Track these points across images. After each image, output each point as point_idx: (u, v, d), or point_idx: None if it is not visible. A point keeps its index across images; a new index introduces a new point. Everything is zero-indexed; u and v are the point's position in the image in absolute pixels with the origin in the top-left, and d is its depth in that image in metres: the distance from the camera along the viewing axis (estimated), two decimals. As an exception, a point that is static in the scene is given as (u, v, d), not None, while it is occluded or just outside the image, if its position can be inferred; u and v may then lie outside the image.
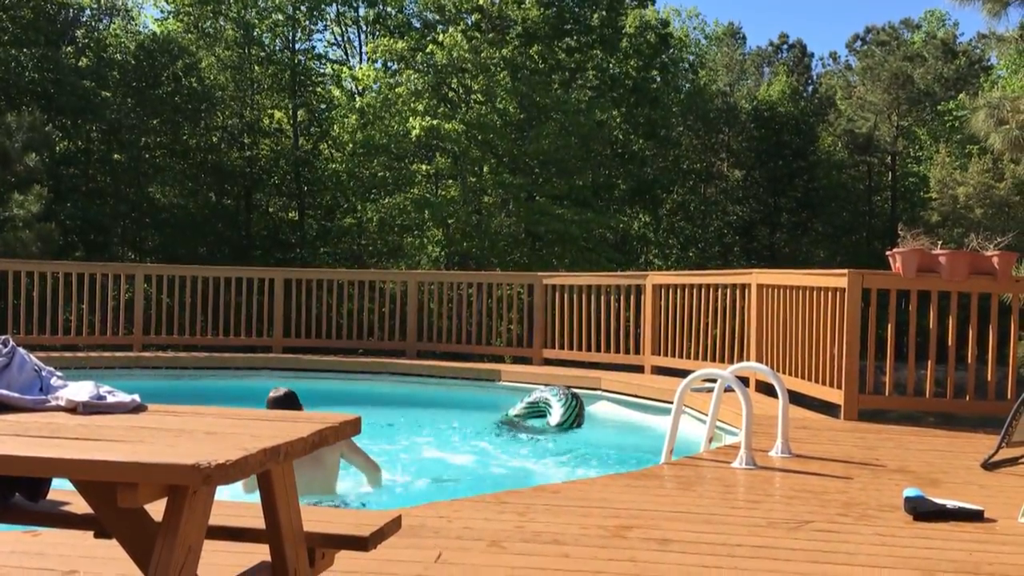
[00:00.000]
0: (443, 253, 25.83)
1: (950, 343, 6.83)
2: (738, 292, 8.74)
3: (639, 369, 9.79)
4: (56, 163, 21.45)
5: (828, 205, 30.88)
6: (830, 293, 6.98)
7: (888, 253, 6.90)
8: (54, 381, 2.28)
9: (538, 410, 8.33)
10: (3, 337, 2.29)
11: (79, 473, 1.70)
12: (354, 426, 2.14)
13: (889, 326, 6.84)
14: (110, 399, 2.17)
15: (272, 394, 5.37)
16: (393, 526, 2.39)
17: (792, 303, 7.62)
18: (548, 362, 10.69)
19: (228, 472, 1.62)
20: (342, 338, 11.38)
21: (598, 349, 10.20)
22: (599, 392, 9.17)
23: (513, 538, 3.52)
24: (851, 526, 3.86)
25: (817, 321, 7.16)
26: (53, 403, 2.15)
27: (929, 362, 6.89)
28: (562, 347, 10.50)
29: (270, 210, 27.43)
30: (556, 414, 8.12)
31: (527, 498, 4.16)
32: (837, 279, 6.90)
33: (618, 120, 27.55)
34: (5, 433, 1.87)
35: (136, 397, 2.22)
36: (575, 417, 8.15)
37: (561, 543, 3.47)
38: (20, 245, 15.29)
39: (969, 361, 6.91)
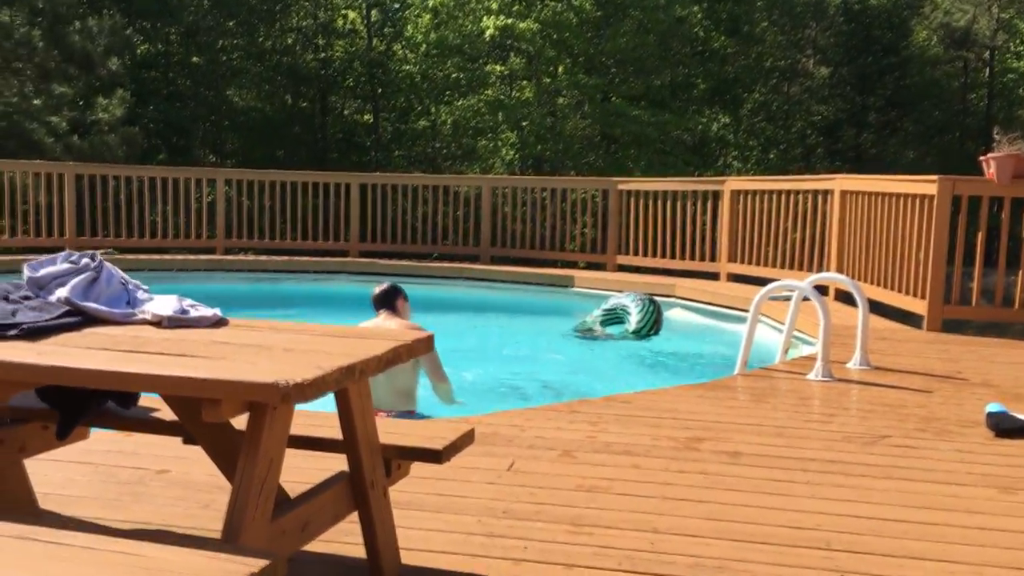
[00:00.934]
0: (517, 156, 25.64)
1: (1043, 253, 6.57)
2: (820, 198, 8.51)
3: (715, 276, 9.68)
4: (137, 66, 21.76)
5: (919, 104, 29.50)
6: (918, 200, 6.74)
7: (982, 158, 6.60)
8: (140, 294, 2.36)
9: (616, 316, 8.31)
10: (91, 252, 2.36)
11: (166, 388, 1.76)
12: (427, 343, 2.17)
13: (979, 235, 6.58)
14: (193, 313, 2.24)
15: (376, 289, 5.43)
16: (467, 439, 2.44)
17: (877, 210, 7.39)
18: (622, 268, 10.64)
19: (305, 391, 1.66)
20: (417, 243, 11.48)
21: (673, 256, 10.09)
22: (674, 299, 9.11)
23: (584, 448, 3.57)
24: (929, 442, 3.80)
25: (902, 229, 6.94)
26: (139, 316, 2.23)
27: (1021, 271, 6.64)
28: (636, 253, 10.42)
29: (345, 113, 27.49)
30: (634, 320, 8.10)
31: (599, 408, 4.20)
32: (926, 186, 6.64)
33: (699, 16, 26.60)
34: (96, 347, 1.95)
35: (217, 311, 2.28)
36: (653, 323, 8.12)
37: (632, 454, 3.51)
38: (106, 149, 15.68)
39: (1063, 272, 6.64)
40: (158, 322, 2.19)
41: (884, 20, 29.22)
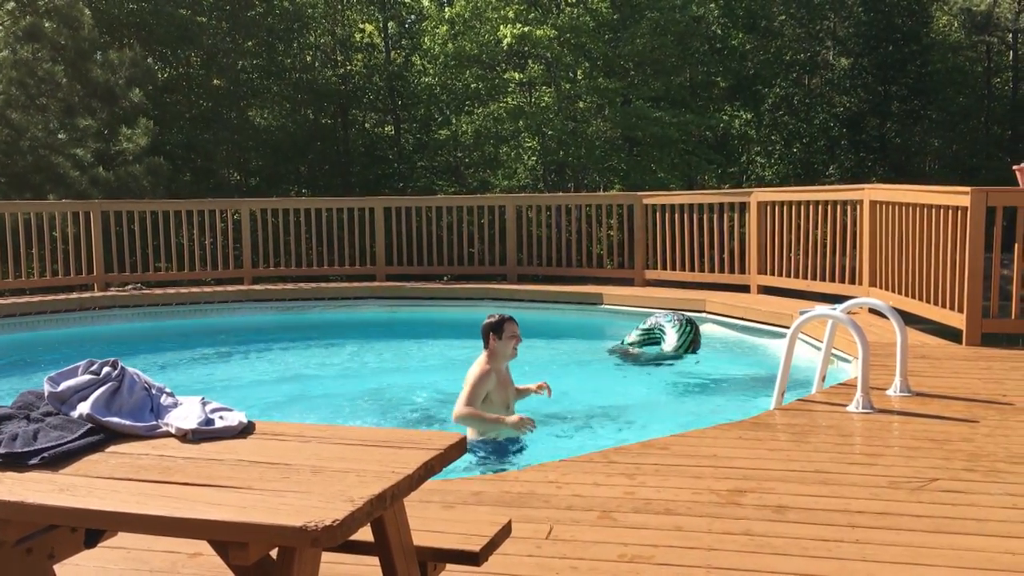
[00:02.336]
0: (539, 163, 25.56)
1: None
2: (849, 208, 8.37)
3: (745, 289, 9.55)
4: (159, 91, 21.92)
5: (943, 91, 29.09)
6: (951, 211, 6.59)
7: (1016, 168, 6.45)
8: (164, 400, 2.31)
9: (652, 337, 8.20)
10: (112, 360, 2.31)
11: (193, 534, 1.71)
12: (459, 448, 2.10)
13: (1016, 246, 6.42)
14: (218, 423, 2.18)
15: (487, 320, 5.52)
16: (504, 533, 2.37)
17: (908, 220, 7.24)
18: (650, 283, 10.54)
19: (335, 534, 1.60)
20: (443, 264, 11.44)
21: (702, 269, 9.98)
22: (705, 314, 9.00)
23: (624, 507, 3.49)
24: (979, 484, 3.69)
25: (936, 240, 6.79)
26: (164, 429, 2.18)
27: (1060, 282, 6.48)
28: (664, 267, 10.31)
29: (366, 126, 27.55)
30: (671, 340, 8.00)
31: (636, 456, 4.12)
32: (959, 197, 6.50)
33: (716, 14, 26.41)
34: (120, 476, 1.90)
35: (243, 417, 2.23)
36: (690, 343, 8.01)
37: (673, 512, 3.42)
38: (132, 179, 15.80)
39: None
40: (183, 436, 2.13)
41: (904, 8, 28.84)
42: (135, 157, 16.18)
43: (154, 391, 2.32)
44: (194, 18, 22.64)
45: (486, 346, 5.48)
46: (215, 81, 24.21)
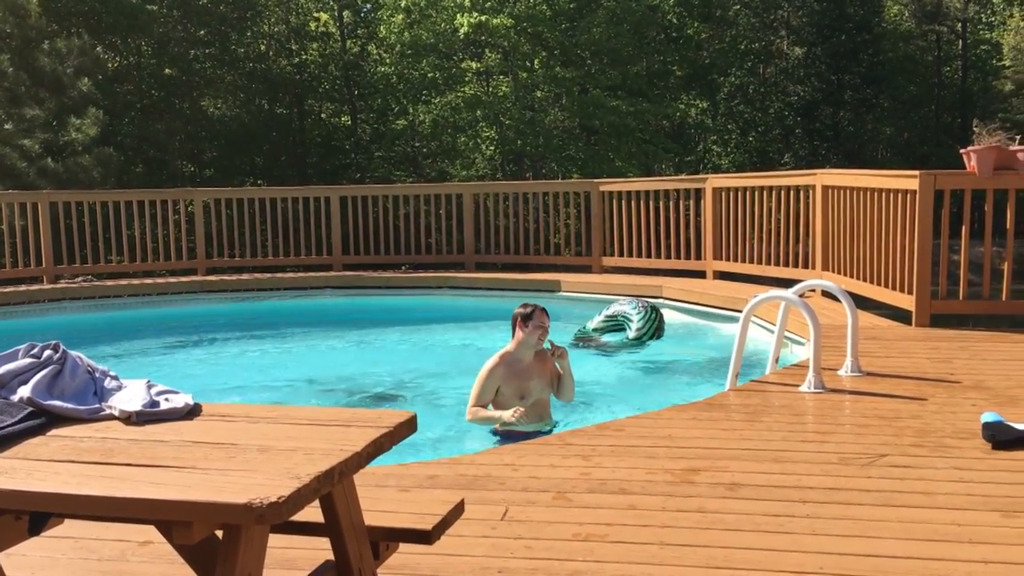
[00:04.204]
0: (497, 152, 25.53)
1: (1029, 243, 6.54)
2: (802, 193, 8.46)
3: (701, 274, 9.63)
4: (109, 81, 21.52)
5: (894, 79, 29.55)
6: (900, 195, 6.69)
7: (962, 151, 6.56)
8: (108, 383, 2.26)
9: (616, 324, 8.22)
10: (53, 342, 2.26)
11: (135, 512, 1.67)
12: (410, 425, 2.08)
13: (963, 228, 6.53)
14: (163, 405, 2.15)
15: (519, 309, 5.44)
16: (456, 512, 2.37)
17: (859, 204, 7.35)
18: (608, 270, 10.58)
19: (281, 510, 1.58)
20: (400, 253, 11.39)
21: (658, 255, 10.04)
22: (661, 300, 9.05)
23: (579, 488, 3.50)
24: (926, 459, 3.75)
25: (886, 223, 6.89)
26: (107, 412, 2.14)
27: (1006, 263, 6.61)
28: (622, 254, 10.36)
29: (323, 116, 27.31)
30: (634, 327, 8.02)
31: (592, 438, 4.13)
32: (907, 180, 6.59)
33: (671, 3, 26.57)
34: (61, 458, 1.86)
35: (189, 399, 2.19)
36: (655, 330, 8.03)
37: (627, 492, 3.44)
38: (81, 170, 15.51)
39: (1049, 260, 6.61)
40: (127, 418, 2.10)
41: (856, -3, 29.21)
42: (84, 148, 15.88)
43: (97, 374, 2.27)
44: (144, 6, 22.26)
45: (513, 334, 5.41)
46: (166, 70, 23.84)
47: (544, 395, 5.44)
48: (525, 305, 5.47)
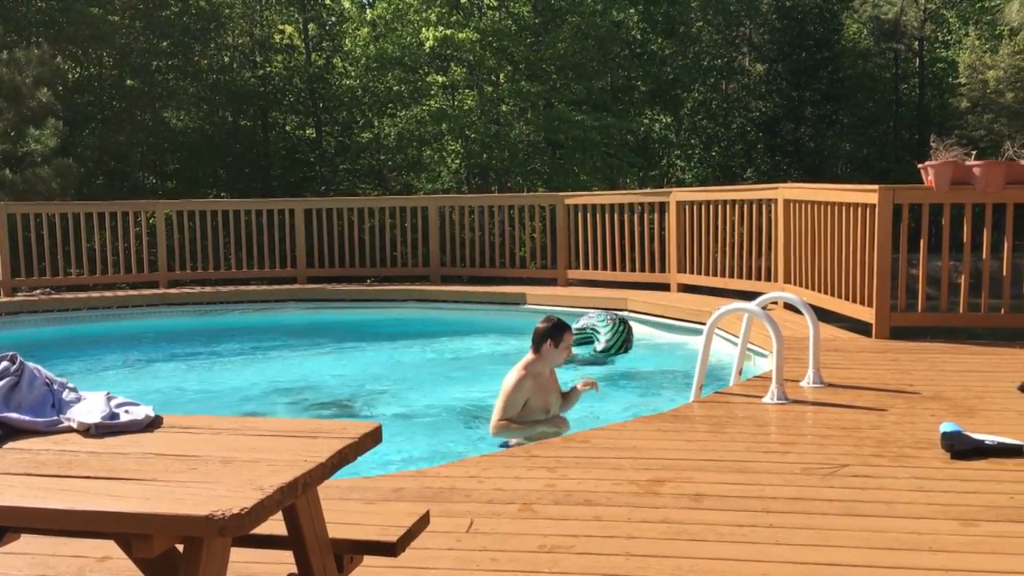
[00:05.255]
0: (463, 166, 25.55)
1: (984, 256, 6.66)
2: (764, 207, 8.56)
3: (665, 287, 9.69)
4: (70, 92, 21.24)
5: (854, 96, 30.06)
6: (859, 209, 6.79)
7: (920, 166, 6.68)
8: (66, 395, 2.23)
9: (585, 336, 8.22)
10: (10, 353, 2.22)
11: (93, 525, 1.65)
12: (374, 437, 2.07)
13: (922, 241, 6.65)
14: (123, 417, 2.12)
15: (544, 324, 5.35)
16: (422, 523, 2.35)
17: (820, 218, 7.45)
18: (573, 283, 10.61)
19: (243, 522, 1.56)
20: (365, 266, 11.34)
21: (623, 268, 10.10)
22: (627, 312, 9.09)
23: (544, 499, 3.50)
24: (887, 469, 3.80)
25: (846, 237, 6.99)
26: (65, 424, 2.10)
27: (963, 276, 6.73)
28: (587, 267, 10.40)
29: (287, 129, 27.18)
30: (602, 340, 8.03)
31: (557, 450, 4.13)
32: (867, 195, 6.70)
33: (635, 19, 26.81)
34: (17, 471, 1.82)
35: (150, 411, 2.17)
36: (622, 342, 8.04)
37: (593, 503, 3.44)
38: (40, 182, 15.28)
39: (1004, 273, 6.74)
40: (86, 430, 2.06)
41: (816, 16, 29.72)
42: (44, 159, 15.66)
43: (56, 386, 2.24)
44: (106, 17, 22.04)
45: (536, 350, 5.29)
46: (128, 81, 23.59)
47: (559, 409, 5.44)
48: (549, 319, 5.39)
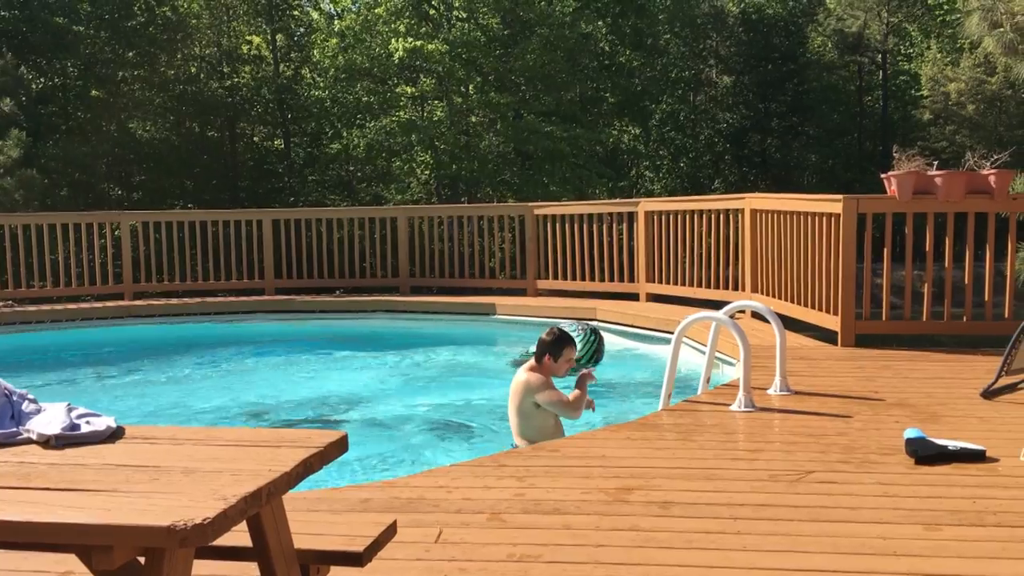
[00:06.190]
0: (433, 176, 25.53)
1: (947, 264, 6.76)
2: (731, 217, 8.63)
3: (634, 297, 9.73)
4: (34, 102, 20.95)
5: (819, 108, 30.42)
6: (824, 218, 6.87)
7: (883, 176, 6.77)
8: (26, 406, 2.19)
9: None
10: (-32, 365, 2.18)
11: (52, 537, 1.62)
12: (340, 446, 2.06)
13: (885, 250, 6.73)
14: (84, 428, 2.08)
15: (548, 336, 5.27)
16: (389, 533, 2.34)
17: (786, 228, 7.52)
18: (542, 293, 10.63)
19: (206, 532, 1.54)
20: (334, 277, 11.28)
21: (592, 278, 10.13)
22: (596, 322, 9.11)
23: (513, 508, 3.49)
24: (853, 475, 3.83)
25: (812, 246, 7.07)
26: (24, 436, 2.07)
27: (926, 285, 6.82)
28: (556, 277, 10.42)
29: (255, 139, 26.98)
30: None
31: (526, 459, 4.13)
32: (832, 204, 6.78)
33: (604, 31, 26.97)
34: (-26, 483, 1.79)
35: (111, 422, 2.13)
36: (593, 352, 8.04)
37: (562, 512, 3.44)
38: (2, 193, 15.05)
39: (966, 282, 6.84)
40: (45, 441, 2.03)
41: (781, 28, 30.08)
42: (6, 170, 15.42)
43: (15, 397, 2.20)
44: (71, 26, 21.77)
45: (538, 361, 5.25)
46: (93, 92, 23.31)
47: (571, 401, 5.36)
48: (553, 332, 5.32)
